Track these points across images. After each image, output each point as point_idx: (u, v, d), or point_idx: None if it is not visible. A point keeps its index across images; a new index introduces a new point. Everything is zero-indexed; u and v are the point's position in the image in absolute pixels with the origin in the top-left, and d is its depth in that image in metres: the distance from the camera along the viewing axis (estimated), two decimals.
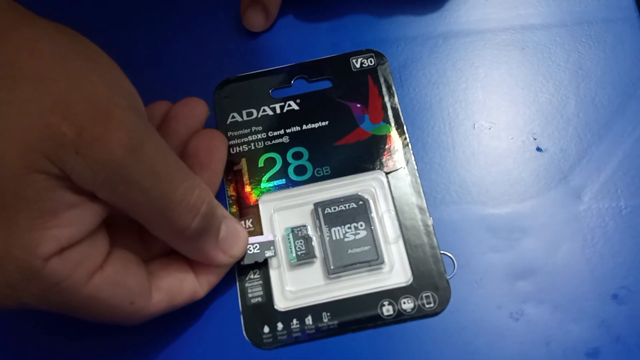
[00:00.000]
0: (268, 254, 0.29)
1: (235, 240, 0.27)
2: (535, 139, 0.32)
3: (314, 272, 0.29)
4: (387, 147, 0.32)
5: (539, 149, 0.32)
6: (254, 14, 0.34)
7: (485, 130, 0.32)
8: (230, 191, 0.31)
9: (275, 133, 0.33)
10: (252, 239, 0.29)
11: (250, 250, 0.29)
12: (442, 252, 0.30)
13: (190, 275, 0.27)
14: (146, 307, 0.25)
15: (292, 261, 0.29)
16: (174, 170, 0.23)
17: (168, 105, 0.31)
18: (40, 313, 0.29)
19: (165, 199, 0.23)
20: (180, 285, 0.26)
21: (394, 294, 0.29)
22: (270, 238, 0.29)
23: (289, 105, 0.33)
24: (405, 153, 0.32)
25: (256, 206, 0.31)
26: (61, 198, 0.21)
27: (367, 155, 0.32)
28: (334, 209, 0.30)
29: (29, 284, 0.21)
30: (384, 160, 0.31)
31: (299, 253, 0.29)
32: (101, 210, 0.23)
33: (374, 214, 0.30)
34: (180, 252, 0.26)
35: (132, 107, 0.23)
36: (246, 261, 0.29)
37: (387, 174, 0.31)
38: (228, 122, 0.33)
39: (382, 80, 0.34)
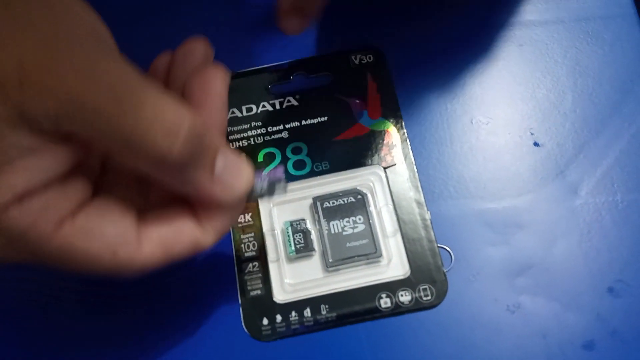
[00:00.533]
0: (278, 191, 0.26)
1: (235, 175, 0.24)
2: (533, 134, 0.32)
3: (313, 265, 0.30)
4: (385, 142, 0.32)
5: (536, 144, 0.32)
6: (293, 20, 0.30)
7: (483, 125, 0.32)
8: None
9: (275, 128, 0.33)
10: (261, 175, 0.26)
11: (257, 187, 0.25)
12: (439, 245, 0.30)
13: (190, 222, 0.24)
14: (134, 258, 0.22)
15: (290, 254, 0.30)
16: (139, 92, 0.20)
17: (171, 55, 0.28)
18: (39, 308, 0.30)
19: (131, 124, 0.20)
20: (177, 234, 0.23)
21: (391, 287, 0.29)
22: (279, 174, 0.26)
23: (289, 100, 0.34)
24: (403, 148, 0.32)
25: (255, 200, 0.31)
26: (13, 143, 0.19)
27: (366, 151, 0.32)
28: (333, 203, 0.30)
29: None
30: (382, 155, 0.32)
31: (297, 246, 0.30)
32: (66, 154, 0.21)
33: (372, 208, 0.30)
34: (175, 192, 0.24)
35: (85, 34, 0.21)
36: (252, 199, 0.26)
37: (385, 168, 0.31)
38: (228, 118, 0.33)
39: (381, 76, 0.34)
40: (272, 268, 0.30)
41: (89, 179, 0.23)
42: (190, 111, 0.21)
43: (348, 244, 0.29)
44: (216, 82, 0.26)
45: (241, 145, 0.33)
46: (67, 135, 0.20)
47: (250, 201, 0.26)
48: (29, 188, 0.20)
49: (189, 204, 0.24)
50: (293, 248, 0.30)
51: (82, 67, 0.19)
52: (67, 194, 0.21)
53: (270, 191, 0.26)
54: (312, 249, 0.30)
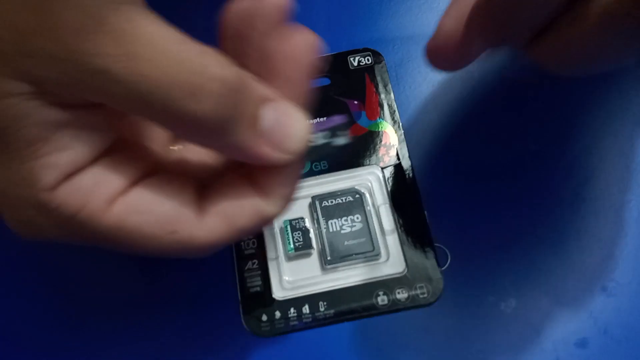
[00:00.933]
0: (340, 141, 0.23)
1: (288, 128, 0.20)
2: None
3: (311, 263, 0.30)
4: (383, 142, 0.33)
5: None
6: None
7: (482, 128, 0.33)
8: None
9: None
10: (317, 125, 0.22)
11: (315, 141, 0.22)
12: (436, 244, 0.30)
13: (251, 191, 0.21)
14: (195, 237, 0.20)
15: (289, 252, 0.30)
16: (153, 45, 0.17)
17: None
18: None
19: (148, 84, 0.17)
20: (238, 205, 0.21)
21: (388, 285, 0.29)
22: (340, 120, 0.22)
23: None
24: (400, 149, 0.32)
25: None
26: (43, 119, 0.18)
27: (364, 151, 0.32)
28: (331, 202, 0.31)
29: (47, 219, 0.19)
30: (380, 155, 0.32)
31: (296, 244, 0.30)
32: (104, 126, 0.20)
33: (370, 207, 0.31)
34: (224, 155, 0.21)
35: None
36: (311, 156, 0.23)
37: (383, 168, 0.32)
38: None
39: (378, 78, 0.34)
40: (271, 265, 0.30)
41: (142, 154, 0.22)
42: (220, 59, 0.18)
43: (346, 243, 0.30)
44: (300, 49, 0.21)
45: None
46: (97, 104, 0.19)
47: (306, 160, 0.22)
48: (74, 165, 0.19)
49: (247, 170, 0.22)
50: (292, 246, 0.30)
51: (81, 23, 0.17)
52: (118, 170, 0.20)
53: (330, 143, 0.22)
54: (311, 247, 0.30)
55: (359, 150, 0.32)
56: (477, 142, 0.33)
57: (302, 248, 0.30)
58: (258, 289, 0.30)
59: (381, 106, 0.34)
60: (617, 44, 0.20)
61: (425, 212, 0.31)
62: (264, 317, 0.29)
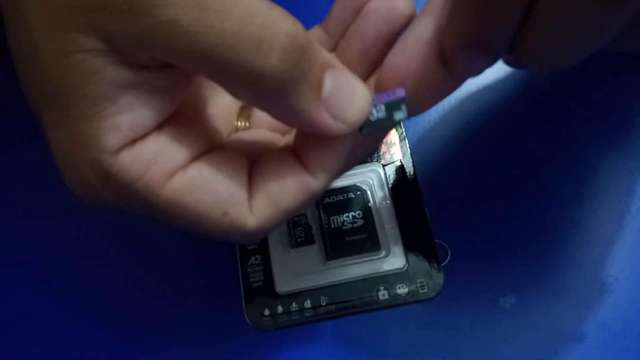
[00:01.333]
0: (398, 116, 0.21)
1: (349, 97, 0.19)
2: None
3: (313, 258, 0.31)
4: (384, 140, 0.33)
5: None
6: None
7: (478, 125, 0.34)
8: None
9: None
10: (374, 98, 0.20)
11: (373, 114, 0.20)
12: (436, 241, 0.31)
13: (295, 165, 0.20)
14: (245, 220, 0.20)
15: (292, 248, 0.31)
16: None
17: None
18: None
19: (215, 37, 0.17)
20: (283, 184, 0.20)
21: (389, 280, 0.30)
22: (400, 94, 0.20)
23: None
24: (402, 147, 0.33)
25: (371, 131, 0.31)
26: (111, 78, 0.18)
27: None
28: (333, 198, 0.31)
29: (105, 183, 0.19)
30: (381, 153, 0.33)
31: (299, 240, 0.31)
32: (169, 92, 0.19)
33: (371, 204, 0.31)
34: (275, 118, 0.20)
35: None
36: (366, 131, 0.21)
37: (384, 166, 0.32)
38: None
39: None
40: (274, 261, 0.31)
41: (201, 130, 0.21)
42: (288, 16, 0.18)
43: (347, 238, 0.30)
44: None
45: None
46: (163, 65, 0.19)
47: (364, 132, 0.21)
48: (138, 130, 0.19)
49: (294, 144, 0.21)
50: (294, 242, 0.31)
51: None
52: (180, 143, 0.20)
53: (389, 117, 0.20)
54: (313, 243, 0.31)
55: None
56: (478, 141, 0.33)
57: (304, 244, 0.31)
58: (260, 283, 0.30)
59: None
60: (579, 24, 0.18)
61: (426, 209, 0.31)
62: (267, 312, 0.30)
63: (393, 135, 0.33)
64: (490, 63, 0.21)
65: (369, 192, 0.32)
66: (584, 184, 0.32)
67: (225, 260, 0.31)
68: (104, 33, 0.17)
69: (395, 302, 0.30)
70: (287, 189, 0.20)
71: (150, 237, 0.32)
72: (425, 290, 0.30)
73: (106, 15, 0.17)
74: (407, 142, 0.33)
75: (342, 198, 0.31)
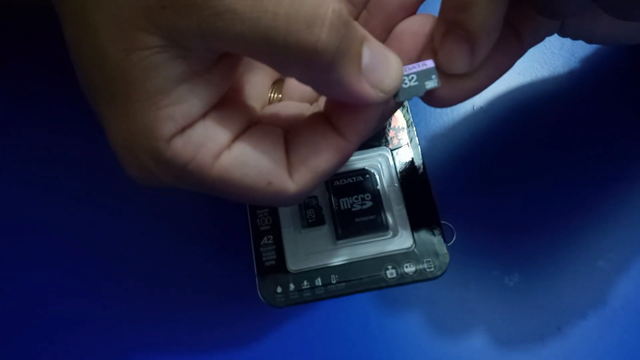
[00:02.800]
0: (429, 85, 0.23)
1: (384, 67, 0.21)
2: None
3: (324, 238, 0.32)
4: (392, 126, 0.34)
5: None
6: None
7: (483, 111, 0.35)
8: None
9: None
10: (406, 68, 0.22)
11: (406, 83, 0.22)
12: (442, 222, 0.32)
13: (327, 130, 0.22)
14: (287, 187, 0.22)
15: (303, 228, 0.32)
16: None
17: None
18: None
19: (270, 21, 0.18)
20: (316, 148, 0.22)
21: (397, 259, 0.31)
22: (430, 65, 0.23)
23: None
24: (409, 132, 0.34)
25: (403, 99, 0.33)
26: (168, 73, 0.19)
27: (374, 134, 0.34)
28: (343, 181, 0.33)
29: (162, 167, 0.21)
30: (389, 137, 0.34)
31: (310, 221, 0.32)
32: (218, 79, 0.21)
33: (379, 187, 0.33)
34: (319, 92, 0.22)
35: None
36: (402, 97, 0.23)
37: (392, 150, 0.34)
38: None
39: None
40: (286, 241, 0.32)
41: (241, 109, 0.23)
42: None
43: (357, 219, 0.32)
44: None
45: None
46: (215, 56, 0.20)
47: (398, 99, 0.23)
48: (189, 118, 0.20)
49: (326, 112, 0.23)
50: (306, 222, 0.32)
51: None
52: (223, 125, 0.22)
53: (421, 85, 0.22)
54: (323, 224, 0.32)
55: None
56: (483, 126, 0.34)
57: (315, 224, 0.32)
58: (273, 262, 0.31)
59: None
60: None
61: (432, 191, 0.32)
62: (279, 289, 0.31)
63: (400, 121, 0.34)
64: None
65: (377, 176, 0.33)
66: (583, 172, 0.33)
67: (239, 241, 0.32)
68: (165, 30, 0.19)
69: (402, 281, 0.31)
70: (322, 153, 0.22)
71: (171, 220, 0.33)
72: (432, 269, 0.31)
73: (167, 13, 0.18)
74: (414, 127, 0.34)
75: (351, 181, 0.33)
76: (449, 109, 0.35)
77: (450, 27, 0.21)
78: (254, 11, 0.18)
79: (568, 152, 0.33)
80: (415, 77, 0.22)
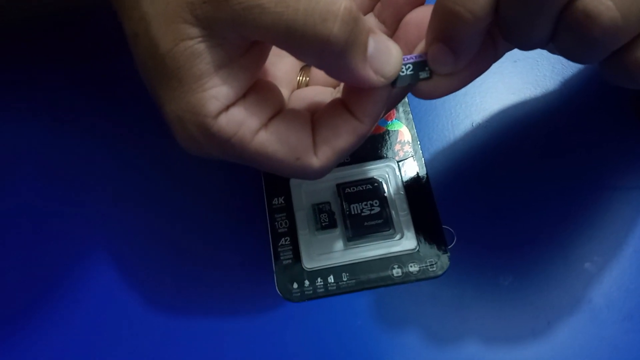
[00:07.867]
0: (422, 75, 0.26)
1: (386, 57, 0.24)
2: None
3: (336, 239, 0.35)
4: (398, 140, 0.38)
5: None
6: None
7: (481, 127, 0.38)
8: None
9: None
10: (405, 58, 0.26)
11: (403, 72, 0.25)
12: (444, 226, 0.35)
13: (345, 113, 0.26)
14: (312, 163, 0.26)
15: (317, 231, 0.35)
16: None
17: None
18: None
19: (292, 15, 0.21)
20: (336, 129, 0.26)
21: (402, 259, 0.34)
22: (424, 57, 0.25)
23: None
24: (413, 145, 0.37)
25: (288, 185, 0.36)
26: (210, 59, 0.23)
27: (382, 147, 0.37)
28: (353, 189, 0.36)
29: (209, 139, 0.24)
30: (395, 150, 0.37)
31: (323, 224, 0.35)
32: (250, 65, 0.24)
33: (387, 194, 0.36)
34: (331, 76, 0.25)
35: None
36: (399, 83, 0.26)
37: (398, 162, 0.37)
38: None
39: None
40: (302, 242, 0.35)
41: (274, 94, 0.26)
42: None
43: (366, 223, 0.35)
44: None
45: None
46: (247, 44, 0.24)
47: (395, 85, 0.26)
48: (230, 98, 0.24)
49: (343, 98, 0.26)
50: (319, 226, 0.35)
51: None
52: (260, 106, 0.25)
53: (415, 74, 0.25)
54: (335, 227, 0.35)
55: (377, 146, 0.37)
56: (482, 141, 0.38)
57: (328, 227, 0.35)
58: (290, 261, 0.34)
59: (397, 109, 0.39)
60: None
61: (435, 199, 0.36)
62: (295, 285, 0.34)
63: (406, 136, 0.38)
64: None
65: (385, 184, 0.36)
66: (570, 183, 0.36)
67: (260, 241, 0.35)
68: (205, 22, 0.22)
69: (407, 279, 0.34)
70: (341, 134, 0.26)
71: (198, 223, 0.37)
72: (434, 269, 0.34)
73: (207, 6, 0.22)
74: (418, 141, 0.38)
75: (361, 189, 0.36)
76: (450, 126, 0.38)
77: (438, 38, 0.25)
78: (278, 6, 0.21)
79: (557, 165, 0.36)
80: (411, 67, 0.26)
